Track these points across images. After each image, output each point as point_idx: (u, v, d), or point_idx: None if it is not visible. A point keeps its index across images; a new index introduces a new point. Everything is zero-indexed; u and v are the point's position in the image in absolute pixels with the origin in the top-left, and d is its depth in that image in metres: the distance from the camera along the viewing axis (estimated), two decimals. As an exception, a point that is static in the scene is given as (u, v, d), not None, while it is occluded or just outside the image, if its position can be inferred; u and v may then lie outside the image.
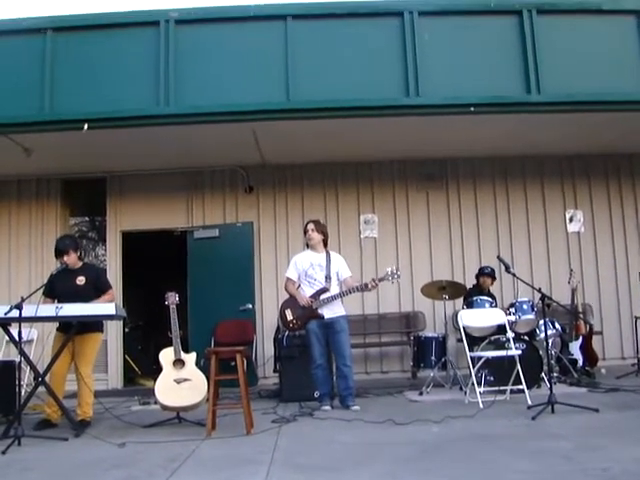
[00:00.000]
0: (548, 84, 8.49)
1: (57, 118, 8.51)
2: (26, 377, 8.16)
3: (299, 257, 8.00)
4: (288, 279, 7.95)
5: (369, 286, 7.63)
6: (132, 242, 11.14)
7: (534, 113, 8.76)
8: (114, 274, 10.48)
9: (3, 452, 5.61)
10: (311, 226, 7.94)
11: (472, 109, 8.44)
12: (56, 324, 7.13)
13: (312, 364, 7.65)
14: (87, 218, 12.20)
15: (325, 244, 7.97)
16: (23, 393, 6.56)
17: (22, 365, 6.51)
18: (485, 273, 9.25)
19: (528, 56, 8.54)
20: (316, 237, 7.89)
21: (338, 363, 7.61)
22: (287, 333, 8.33)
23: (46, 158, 9.88)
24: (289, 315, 7.77)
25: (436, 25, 8.77)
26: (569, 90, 8.48)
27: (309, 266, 7.78)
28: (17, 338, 6.27)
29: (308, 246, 8.01)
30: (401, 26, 8.64)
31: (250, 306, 10.28)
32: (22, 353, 6.39)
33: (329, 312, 7.64)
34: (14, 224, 10.99)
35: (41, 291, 6.84)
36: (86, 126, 8.31)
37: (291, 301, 7.84)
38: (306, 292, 7.74)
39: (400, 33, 8.64)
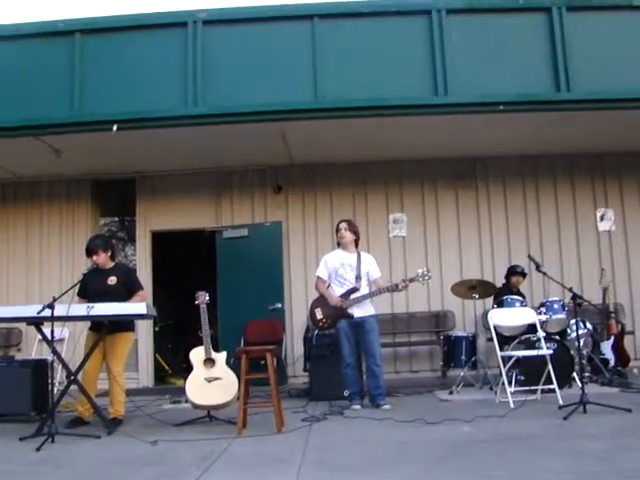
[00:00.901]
0: (578, 82, 8.44)
1: (87, 119, 8.60)
2: (58, 375, 8.24)
3: (330, 256, 7.99)
4: (318, 278, 7.95)
5: (399, 286, 7.63)
6: (162, 242, 11.21)
7: (564, 111, 8.69)
8: (144, 274, 10.55)
9: (37, 449, 5.66)
10: (344, 225, 7.93)
11: (501, 108, 8.42)
12: (88, 324, 7.18)
13: (342, 363, 7.65)
14: (117, 218, 12.31)
15: (356, 244, 7.96)
16: (56, 391, 6.61)
17: (55, 364, 6.58)
18: (517, 272, 9.19)
19: (557, 54, 8.50)
20: (348, 236, 7.87)
21: (368, 362, 7.59)
22: (317, 332, 8.33)
23: (76, 159, 9.97)
24: (319, 314, 7.76)
25: (464, 23, 8.75)
26: (599, 88, 8.42)
27: (340, 265, 7.78)
28: (49, 337, 6.33)
29: (339, 245, 8.00)
30: (429, 24, 8.65)
31: (279, 305, 10.30)
32: (55, 352, 6.45)
33: (359, 311, 7.63)
34: (45, 225, 11.10)
35: (72, 291, 6.88)
36: (115, 127, 8.39)
37: (321, 300, 7.84)
38: (336, 292, 7.73)
39: (428, 32, 8.64)
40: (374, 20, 8.80)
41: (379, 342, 7.73)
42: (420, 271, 7.69)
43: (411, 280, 7.68)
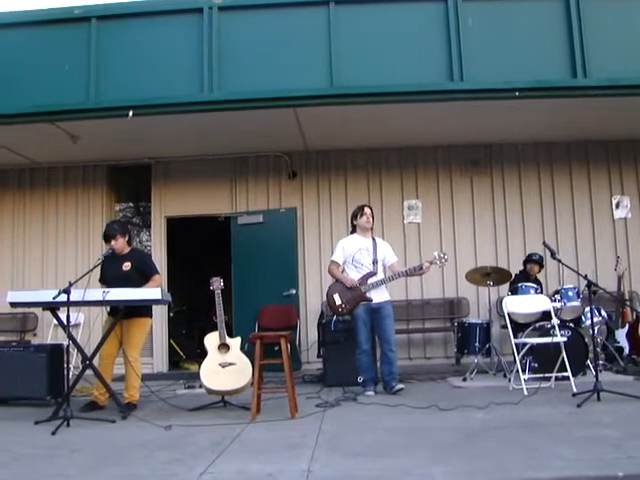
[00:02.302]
0: (594, 67, 8.37)
1: (103, 105, 8.62)
2: (74, 360, 8.30)
3: (346, 241, 7.98)
4: (333, 262, 7.96)
5: (423, 268, 7.63)
6: (176, 228, 11.25)
7: (580, 97, 8.62)
8: (159, 259, 10.59)
9: (53, 433, 5.73)
10: (369, 210, 7.96)
11: (517, 94, 8.35)
12: (103, 309, 7.22)
13: (357, 349, 7.66)
14: (132, 204, 12.33)
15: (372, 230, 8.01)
16: (71, 376, 6.66)
17: (70, 348, 6.63)
18: (533, 260, 9.14)
19: (574, 39, 8.43)
20: (371, 222, 7.92)
21: (384, 348, 7.58)
22: (334, 318, 8.33)
23: (92, 145, 10.02)
24: (337, 299, 7.75)
25: (480, 8, 8.69)
26: (616, 74, 8.35)
27: (357, 250, 7.78)
28: (65, 322, 6.38)
29: (354, 231, 7.99)
30: (445, 10, 8.59)
31: (294, 291, 10.33)
32: (70, 336, 6.50)
33: (377, 297, 7.65)
34: (61, 210, 11.18)
35: (88, 276, 6.90)
36: (131, 113, 8.41)
37: (338, 285, 7.83)
38: (353, 276, 7.73)
39: (444, 17, 8.59)
40: (389, 6, 8.75)
41: (394, 328, 7.73)
42: (436, 254, 7.72)
43: (430, 262, 7.69)
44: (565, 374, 7.18)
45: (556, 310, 7.88)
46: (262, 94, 8.45)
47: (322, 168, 11.04)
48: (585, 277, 7.03)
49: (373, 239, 7.91)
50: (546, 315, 7.95)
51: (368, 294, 7.64)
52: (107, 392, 6.87)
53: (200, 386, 7.29)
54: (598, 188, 10.84)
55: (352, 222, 8.08)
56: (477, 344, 8.69)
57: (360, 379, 7.76)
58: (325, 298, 8.04)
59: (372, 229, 8.02)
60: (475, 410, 6.29)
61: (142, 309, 7.11)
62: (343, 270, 7.87)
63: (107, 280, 7.10)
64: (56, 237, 11.10)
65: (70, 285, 6.32)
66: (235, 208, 11.01)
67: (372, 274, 7.67)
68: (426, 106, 8.79)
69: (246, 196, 11.06)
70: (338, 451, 4.90)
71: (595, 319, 7.81)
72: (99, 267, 7.21)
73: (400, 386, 7.40)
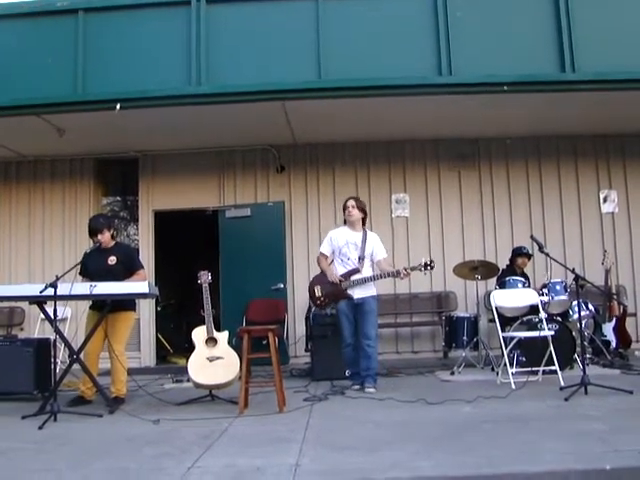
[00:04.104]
0: (583, 62, 8.38)
1: (89, 98, 8.60)
2: (61, 354, 8.27)
3: (335, 233, 7.85)
4: (321, 254, 7.85)
5: (401, 274, 7.48)
6: (164, 221, 11.21)
7: (568, 92, 8.63)
8: (146, 253, 10.59)
9: (40, 427, 5.72)
10: (352, 202, 7.76)
11: (505, 88, 8.35)
12: (89, 303, 7.20)
13: (342, 343, 7.63)
14: (119, 198, 12.28)
15: (364, 223, 7.83)
16: (58, 370, 6.63)
17: (57, 343, 6.60)
18: (522, 253, 9.12)
19: (563, 33, 8.44)
20: (356, 214, 7.72)
21: (362, 343, 7.43)
22: (315, 310, 8.31)
23: (79, 138, 9.98)
24: (317, 291, 7.72)
25: (469, 2, 8.69)
26: (604, 68, 8.35)
27: (344, 244, 7.65)
28: (52, 316, 6.35)
29: (345, 222, 7.91)
30: (434, 3, 8.57)
31: (282, 285, 10.32)
32: (57, 331, 6.48)
33: (359, 292, 7.53)
34: (48, 204, 11.13)
35: (75, 270, 6.87)
36: (118, 106, 8.36)
37: (321, 277, 7.77)
38: (338, 270, 7.63)
39: (433, 10, 8.59)
40: (378, -1, 8.77)
41: (376, 323, 7.60)
42: (424, 260, 7.52)
43: (412, 269, 7.54)
44: (553, 368, 7.19)
45: (544, 304, 7.90)
46: (250, 87, 8.41)
47: (310, 162, 11.04)
48: (572, 271, 7.06)
49: (364, 232, 7.76)
50: (534, 309, 7.95)
51: (350, 291, 7.54)
52: (94, 387, 6.85)
53: (188, 380, 7.29)
54: (586, 182, 10.88)
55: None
56: (465, 338, 8.71)
57: (348, 373, 7.75)
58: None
59: (364, 221, 7.83)
60: (463, 404, 6.29)
61: (127, 303, 7.10)
62: (332, 262, 7.80)
63: (91, 274, 7.04)
64: (43, 231, 11.05)
65: (57, 279, 6.29)
66: (223, 201, 10.99)
67: (356, 271, 7.53)
68: (414, 100, 8.78)
69: (234, 189, 11.04)
70: (326, 445, 4.89)
71: (582, 313, 7.84)
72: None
73: (371, 390, 7.28)
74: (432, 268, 7.55)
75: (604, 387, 6.47)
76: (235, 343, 7.25)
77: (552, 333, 7.35)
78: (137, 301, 7.68)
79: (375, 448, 4.76)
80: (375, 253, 7.70)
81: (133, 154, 11.06)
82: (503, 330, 7.71)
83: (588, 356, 8.24)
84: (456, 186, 10.93)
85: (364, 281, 7.54)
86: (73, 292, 6.50)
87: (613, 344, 8.94)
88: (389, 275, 7.67)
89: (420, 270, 7.54)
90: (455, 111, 9.40)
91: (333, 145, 10.95)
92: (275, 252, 10.53)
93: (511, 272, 8.91)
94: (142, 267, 7.40)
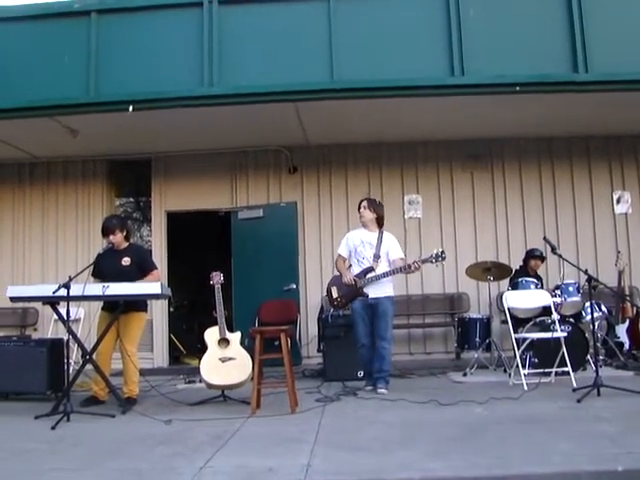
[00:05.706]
0: (596, 62, 8.34)
1: (103, 100, 8.63)
2: (74, 355, 8.30)
3: (351, 234, 7.90)
4: (339, 256, 7.87)
5: (412, 267, 7.49)
6: (177, 222, 11.24)
7: (581, 92, 8.59)
8: (159, 254, 10.62)
9: (53, 427, 5.74)
10: (364, 204, 7.82)
11: (517, 89, 8.32)
12: (101, 304, 7.22)
13: (357, 344, 7.63)
14: (132, 199, 12.32)
15: (379, 224, 7.81)
16: (71, 370, 6.66)
17: (70, 343, 6.62)
18: (535, 255, 9.08)
19: (575, 34, 8.39)
20: (367, 215, 7.75)
21: (376, 344, 7.46)
22: (332, 311, 8.32)
23: (92, 139, 10.01)
24: (334, 292, 7.75)
25: (481, 2, 8.66)
26: (617, 69, 8.31)
27: (359, 243, 7.67)
28: (65, 317, 6.37)
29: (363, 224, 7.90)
30: (446, 4, 8.56)
31: (294, 286, 10.33)
32: (70, 331, 6.50)
33: (374, 292, 7.53)
34: (61, 205, 11.18)
35: (88, 270, 6.89)
36: (131, 107, 8.39)
37: (339, 279, 7.78)
38: (354, 270, 7.64)
39: (445, 11, 8.56)
40: (390, 0, 8.75)
41: (391, 325, 7.61)
42: (435, 251, 7.56)
43: (424, 261, 7.58)
44: (565, 369, 7.18)
45: (556, 305, 7.87)
46: (262, 88, 8.42)
47: (323, 163, 11.03)
48: (585, 272, 7.03)
49: (381, 233, 7.76)
50: (546, 310, 7.93)
51: (365, 289, 7.56)
52: (107, 387, 6.87)
53: (200, 381, 7.29)
54: (599, 183, 10.82)
55: None
56: (477, 339, 8.69)
57: (360, 374, 7.76)
58: (325, 292, 8.03)
59: (380, 222, 7.81)
60: (475, 405, 6.28)
61: (139, 303, 7.12)
62: (350, 265, 7.79)
63: (104, 275, 7.06)
64: (56, 232, 11.10)
65: (70, 280, 6.32)
66: (235, 203, 11.00)
67: (370, 269, 7.55)
68: (427, 101, 8.78)
69: (246, 191, 11.05)
70: (338, 446, 4.90)
71: (595, 314, 7.81)
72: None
73: (383, 391, 7.27)
74: (443, 259, 7.58)
75: (617, 389, 6.45)
76: (247, 344, 7.28)
77: (565, 334, 7.33)
78: (150, 302, 7.71)
79: (386, 449, 4.77)
80: (391, 252, 7.69)
81: (146, 155, 11.09)
82: (516, 331, 7.67)
83: (601, 358, 8.20)
84: (469, 187, 10.90)
85: (378, 278, 7.53)
86: (86, 293, 6.54)
87: (626, 346, 8.89)
88: (401, 270, 7.63)
89: (432, 262, 7.57)
90: (467, 112, 9.37)
91: (345, 146, 10.94)
92: (287, 253, 10.53)
93: (524, 273, 8.87)
94: (156, 267, 7.45)
